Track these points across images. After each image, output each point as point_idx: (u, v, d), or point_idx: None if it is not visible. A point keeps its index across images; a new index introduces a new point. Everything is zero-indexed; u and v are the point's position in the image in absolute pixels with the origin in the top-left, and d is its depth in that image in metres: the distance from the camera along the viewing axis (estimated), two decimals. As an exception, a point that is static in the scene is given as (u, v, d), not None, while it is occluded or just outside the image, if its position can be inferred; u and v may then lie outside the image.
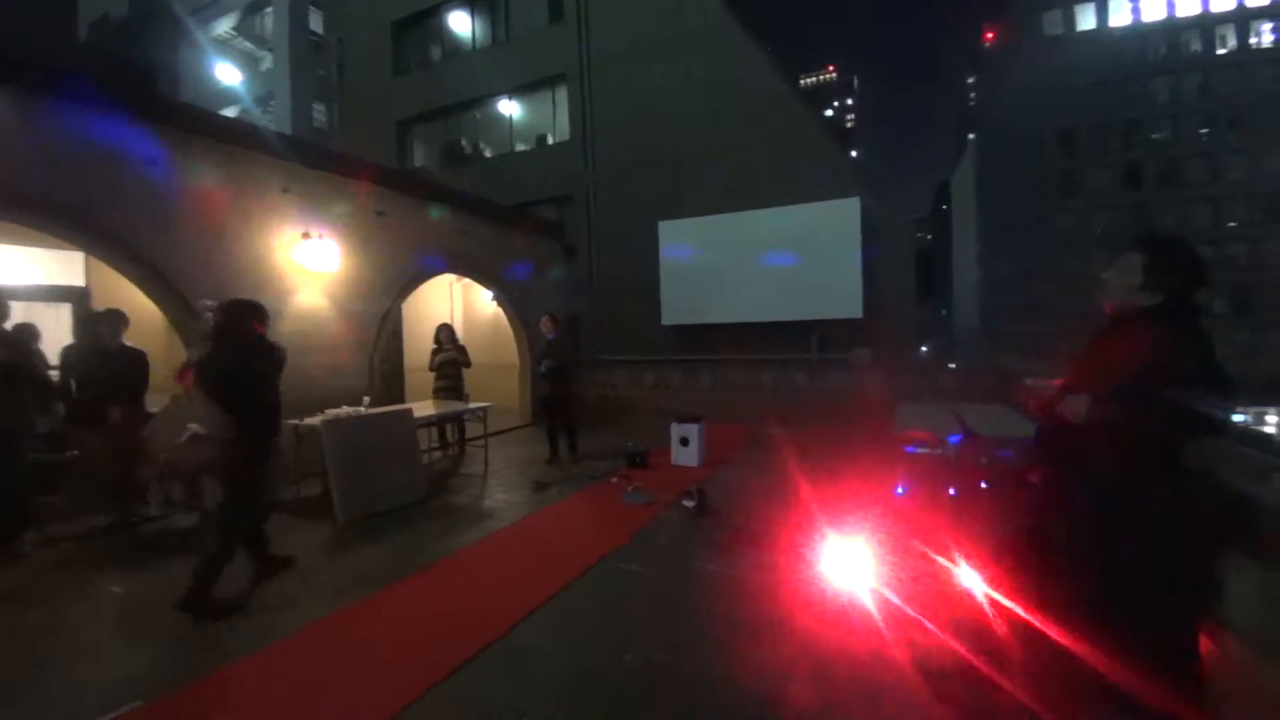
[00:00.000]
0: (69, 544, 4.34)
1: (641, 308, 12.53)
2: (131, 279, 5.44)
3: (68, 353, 4.95)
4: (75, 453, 5.11)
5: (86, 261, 7.03)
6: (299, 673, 2.64)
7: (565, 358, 6.88)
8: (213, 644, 2.86)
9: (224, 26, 24.00)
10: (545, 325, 6.98)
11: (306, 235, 6.36)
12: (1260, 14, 35.43)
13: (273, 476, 3.78)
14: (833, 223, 10.77)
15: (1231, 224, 35.47)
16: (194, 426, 3.78)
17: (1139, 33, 37.60)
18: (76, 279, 7.09)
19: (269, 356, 3.59)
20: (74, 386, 4.79)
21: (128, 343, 4.92)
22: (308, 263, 6.39)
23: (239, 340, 3.44)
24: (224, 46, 24.35)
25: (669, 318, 12.35)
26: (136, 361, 4.91)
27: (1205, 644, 1.89)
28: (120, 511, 4.71)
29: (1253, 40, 35.71)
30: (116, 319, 4.85)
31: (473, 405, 6.81)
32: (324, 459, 4.94)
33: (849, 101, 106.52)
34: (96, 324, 4.90)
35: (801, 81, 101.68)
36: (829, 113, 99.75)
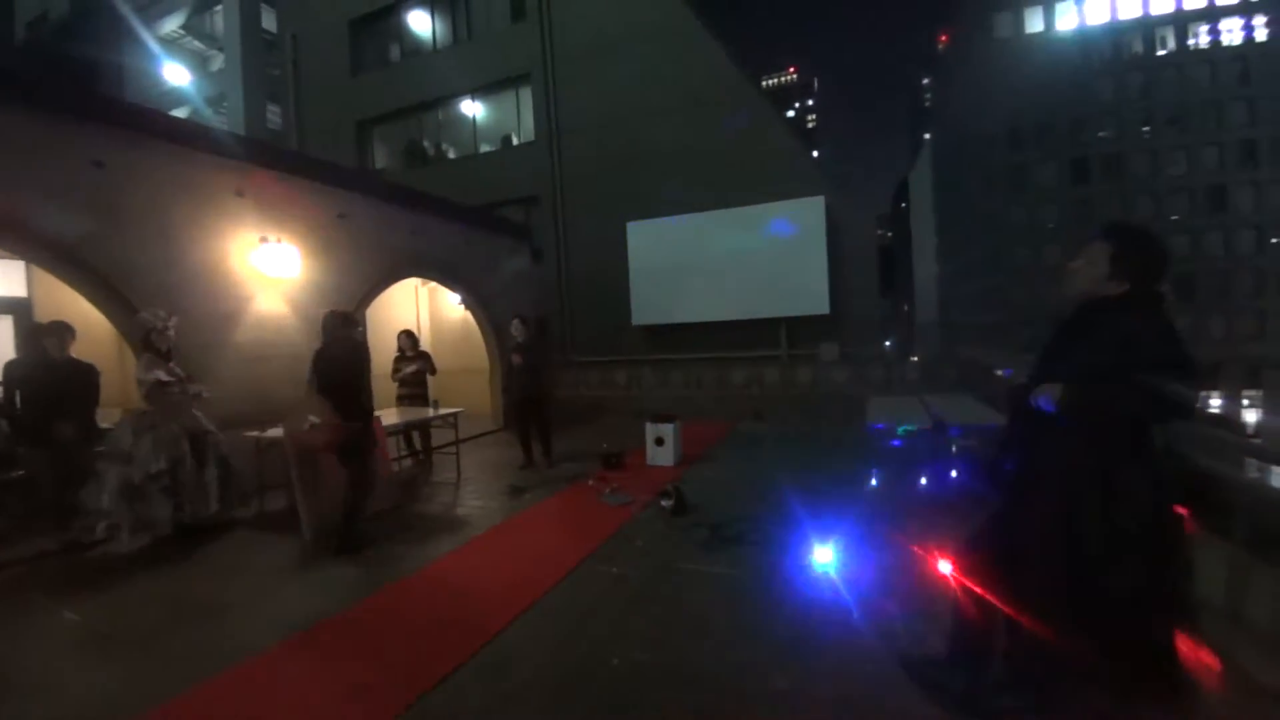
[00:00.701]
0: (16, 568, 4.11)
1: (612, 309, 12.50)
2: (76, 288, 5.18)
3: (11, 367, 4.68)
4: (20, 473, 4.85)
5: (28, 271, 6.69)
6: (269, 695, 2.53)
7: (538, 360, 6.80)
8: (177, 668, 2.73)
9: (171, 25, 23.05)
10: (516, 328, 6.88)
11: (264, 239, 6.15)
12: (1197, 16, 37.17)
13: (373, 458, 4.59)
14: (798, 221, 10.91)
15: (1174, 217, 37.11)
16: (312, 418, 4.25)
17: (1084, 35, 39.10)
18: (18, 289, 6.74)
19: (357, 357, 4.40)
20: (18, 403, 4.55)
21: (76, 356, 4.70)
22: (266, 268, 6.18)
23: (334, 345, 4.37)
24: (172, 46, 23.41)
25: (640, 318, 12.35)
26: (86, 375, 4.69)
27: (1178, 625, 1.95)
28: (70, 533, 4.47)
29: (1190, 41, 37.45)
30: (63, 331, 4.62)
31: (443, 411, 6.67)
32: (288, 471, 4.78)
33: (810, 102, 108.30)
34: (42, 337, 4.66)
35: (764, 83, 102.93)
36: (791, 113, 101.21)
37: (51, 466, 4.47)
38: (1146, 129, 38.11)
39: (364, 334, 5.36)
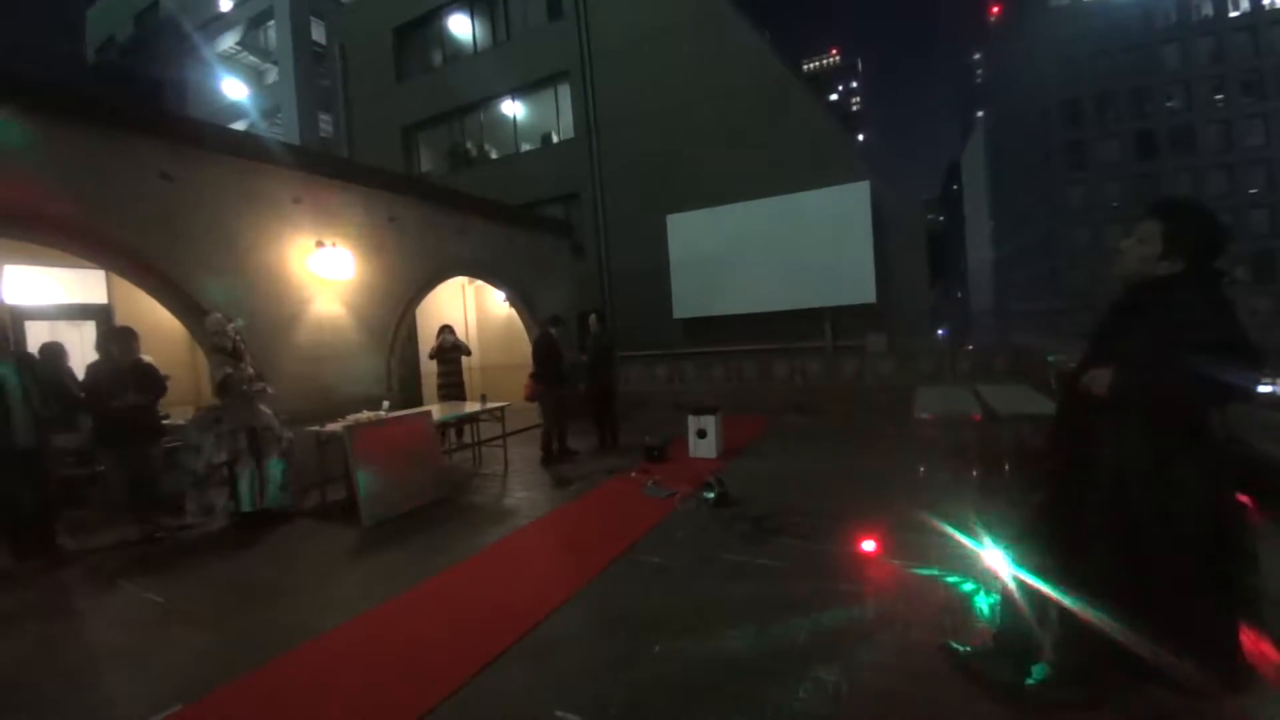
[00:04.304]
0: (100, 555, 4.44)
1: (652, 302, 12.54)
2: (150, 293, 5.53)
3: (93, 369, 5.03)
4: (101, 468, 5.23)
5: (108, 279, 7.16)
6: (329, 674, 2.69)
7: (609, 354, 7.54)
8: (246, 647, 2.92)
9: (228, 42, 24.13)
10: (593, 324, 7.57)
11: (320, 244, 6.42)
12: (1274, -26, 34.57)
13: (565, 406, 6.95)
14: (842, 208, 10.69)
15: (1251, 190, 34.72)
16: (529, 381, 6.61)
17: (1148, -1, 36.83)
18: (99, 296, 7.22)
19: (556, 346, 6.81)
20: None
21: (143, 357, 4.97)
22: (322, 271, 6.46)
23: (545, 337, 6.87)
24: (230, 62, 24.53)
25: (680, 311, 12.35)
26: (147, 374, 4.92)
27: (1240, 618, 1.87)
28: (149, 525, 4.78)
29: (1266, 0, 34.84)
30: (127, 336, 4.89)
31: (490, 405, 6.86)
32: (347, 464, 5.01)
33: (854, 85, 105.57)
34: (108, 343, 4.96)
35: (805, 67, 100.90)
36: (834, 97, 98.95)
37: (120, 464, 4.78)
38: (1219, 97, 35.70)
39: (560, 332, 7.18)
